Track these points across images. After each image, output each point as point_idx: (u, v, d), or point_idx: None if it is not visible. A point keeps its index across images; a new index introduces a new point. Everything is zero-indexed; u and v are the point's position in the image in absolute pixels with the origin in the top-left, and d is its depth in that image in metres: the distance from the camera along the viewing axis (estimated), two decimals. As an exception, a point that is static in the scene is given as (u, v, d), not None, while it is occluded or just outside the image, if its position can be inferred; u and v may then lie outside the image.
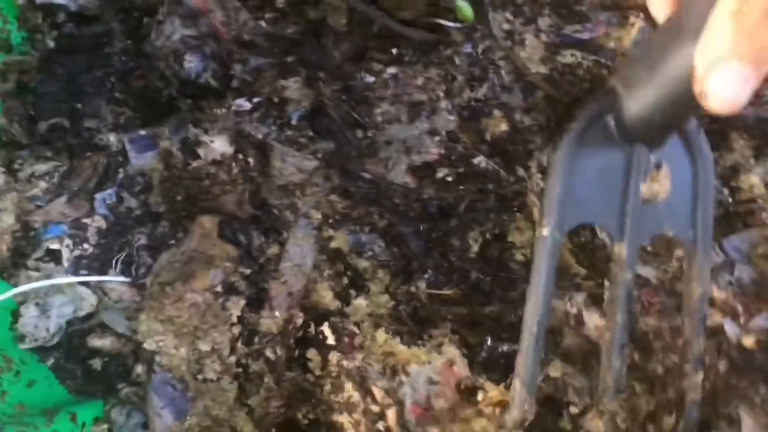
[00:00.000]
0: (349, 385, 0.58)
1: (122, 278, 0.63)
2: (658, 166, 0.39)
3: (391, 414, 0.57)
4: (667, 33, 0.29)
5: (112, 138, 0.67)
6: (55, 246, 0.63)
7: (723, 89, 0.26)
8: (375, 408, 0.57)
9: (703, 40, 0.27)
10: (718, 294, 0.61)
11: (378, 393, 0.57)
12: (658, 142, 0.37)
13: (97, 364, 0.63)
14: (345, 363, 0.59)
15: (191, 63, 0.63)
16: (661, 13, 0.30)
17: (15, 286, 0.62)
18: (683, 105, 0.30)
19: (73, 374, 0.63)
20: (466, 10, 0.71)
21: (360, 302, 0.64)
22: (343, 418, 0.58)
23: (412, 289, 0.66)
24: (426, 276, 0.67)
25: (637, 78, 0.33)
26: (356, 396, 0.57)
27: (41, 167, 0.65)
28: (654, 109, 0.33)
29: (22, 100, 0.68)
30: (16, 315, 0.62)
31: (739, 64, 0.26)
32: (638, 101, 0.33)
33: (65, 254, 0.63)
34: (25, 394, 0.58)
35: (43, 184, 0.65)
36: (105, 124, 0.67)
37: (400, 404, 0.58)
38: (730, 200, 0.61)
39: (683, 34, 0.28)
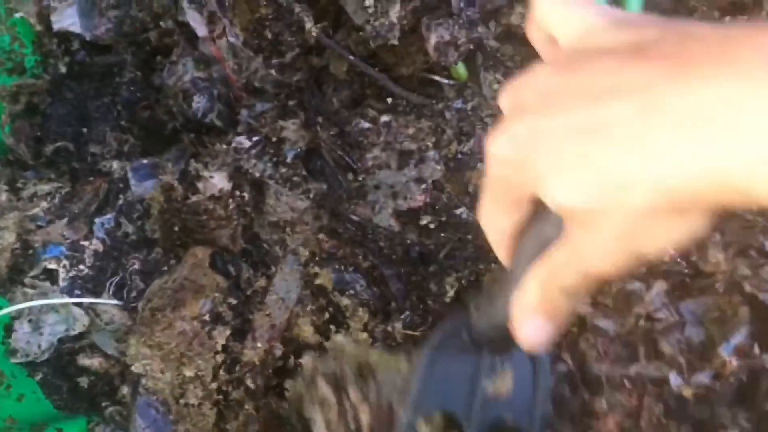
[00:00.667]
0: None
1: (115, 301, 0.65)
2: (502, 368, 0.48)
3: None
4: (505, 276, 0.37)
5: (114, 165, 0.70)
6: (52, 266, 0.66)
7: (528, 333, 0.34)
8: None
9: (519, 293, 0.34)
10: (667, 349, 0.66)
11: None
12: (499, 350, 0.47)
13: (84, 382, 0.65)
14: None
15: (199, 103, 0.67)
16: (503, 261, 0.38)
17: (10, 301, 0.65)
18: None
19: (60, 390, 0.65)
20: (461, 70, 0.75)
21: (339, 338, 0.68)
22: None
23: (389, 328, 0.70)
24: (403, 317, 0.71)
25: (483, 303, 0.43)
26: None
27: (44, 188, 0.68)
28: (491, 328, 0.43)
29: (30, 121, 0.71)
30: (9, 329, 0.65)
31: (541, 318, 0.33)
32: (482, 320, 0.44)
33: (62, 274, 0.66)
34: (15, 408, 0.61)
35: (44, 205, 0.67)
36: (109, 150, 0.70)
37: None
38: (686, 270, 0.66)
39: (511, 282, 0.35)
